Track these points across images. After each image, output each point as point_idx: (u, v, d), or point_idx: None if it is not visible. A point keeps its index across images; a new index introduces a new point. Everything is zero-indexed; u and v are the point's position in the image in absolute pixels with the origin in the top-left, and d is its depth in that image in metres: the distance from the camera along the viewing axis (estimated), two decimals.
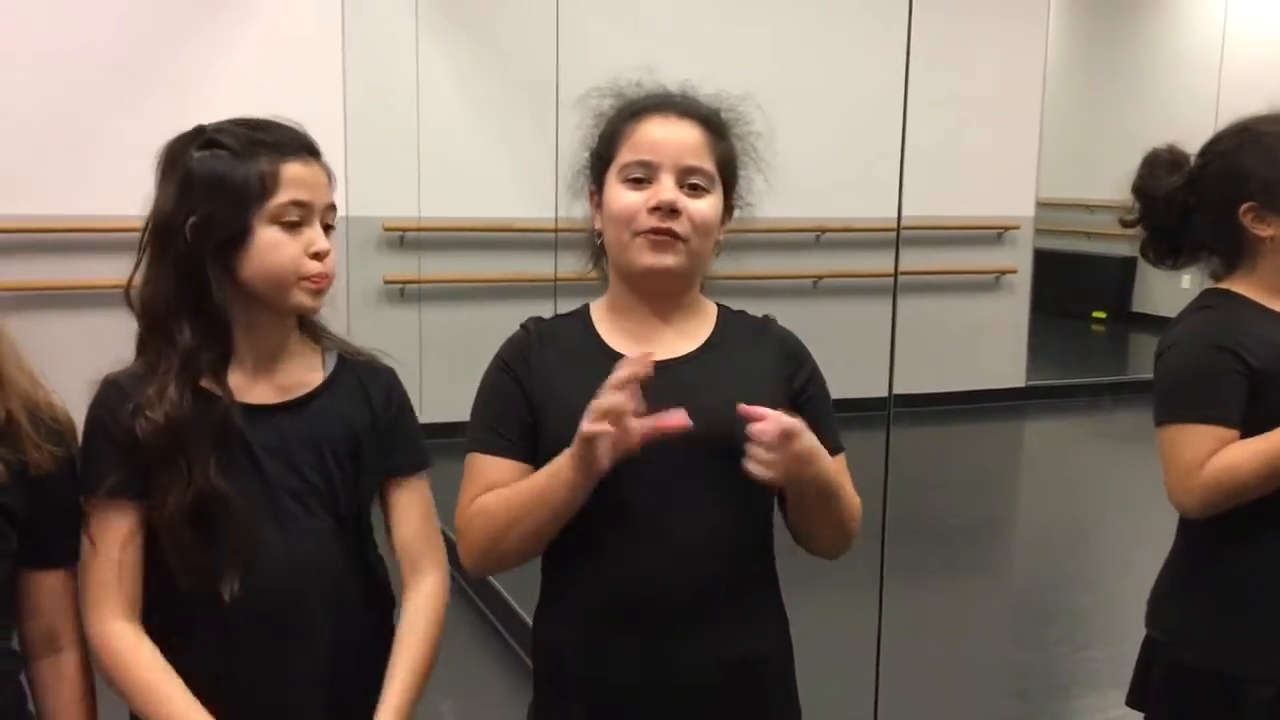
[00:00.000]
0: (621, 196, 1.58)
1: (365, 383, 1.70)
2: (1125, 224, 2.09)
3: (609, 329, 1.65)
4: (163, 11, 5.90)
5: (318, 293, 1.59)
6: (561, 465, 1.49)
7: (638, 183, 1.57)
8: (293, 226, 1.55)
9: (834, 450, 1.67)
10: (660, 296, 1.63)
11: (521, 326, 1.69)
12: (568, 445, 1.54)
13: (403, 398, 1.74)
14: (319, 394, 1.65)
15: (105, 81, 5.77)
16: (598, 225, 1.65)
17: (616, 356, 1.60)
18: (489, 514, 1.57)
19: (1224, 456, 1.85)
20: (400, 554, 1.73)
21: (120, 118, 5.71)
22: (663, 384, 1.57)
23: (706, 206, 1.58)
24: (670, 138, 1.58)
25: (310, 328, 1.69)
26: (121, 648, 1.55)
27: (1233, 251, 1.99)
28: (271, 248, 1.54)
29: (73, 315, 5.61)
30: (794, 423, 1.44)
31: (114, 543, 1.55)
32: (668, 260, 1.57)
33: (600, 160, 1.64)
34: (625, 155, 1.59)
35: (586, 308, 1.70)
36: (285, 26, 6.10)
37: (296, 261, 1.55)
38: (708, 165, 1.59)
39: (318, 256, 1.57)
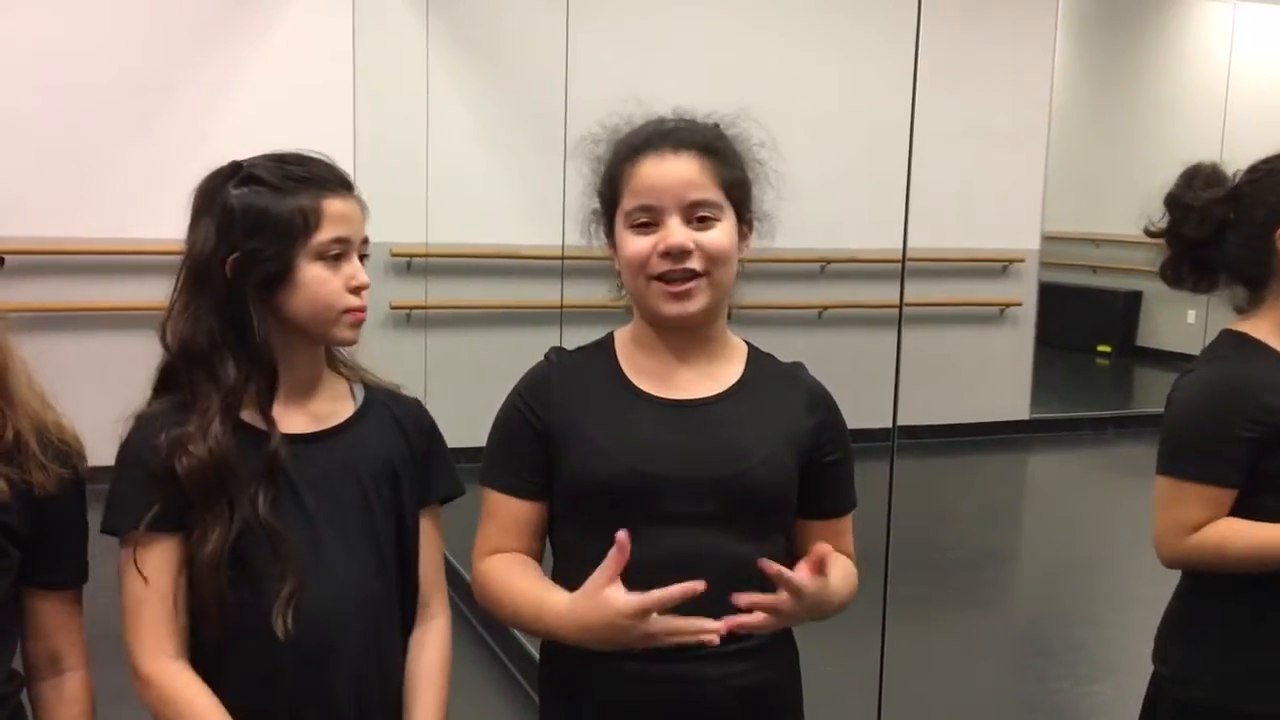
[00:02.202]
0: (631, 243, 1.56)
1: (395, 411, 1.70)
2: (1150, 234, 2.02)
3: (634, 366, 1.63)
4: (174, 38, 5.95)
5: (357, 325, 1.60)
6: (565, 623, 1.48)
7: (644, 227, 1.55)
8: (334, 261, 1.56)
9: (845, 509, 1.69)
10: (684, 334, 1.61)
11: (545, 357, 1.67)
12: (590, 480, 1.56)
13: (434, 426, 1.74)
14: (353, 423, 1.65)
15: (116, 107, 5.81)
16: (617, 265, 1.63)
17: (641, 395, 1.61)
18: (495, 597, 1.60)
19: (1217, 530, 1.86)
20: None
21: (132, 142, 5.75)
22: (689, 423, 1.58)
23: (720, 234, 1.56)
24: (668, 177, 1.55)
25: (333, 359, 1.69)
26: (176, 686, 1.52)
27: (1259, 275, 1.94)
28: (315, 284, 1.55)
29: (84, 337, 5.63)
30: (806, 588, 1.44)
31: (163, 578, 1.52)
32: (690, 307, 1.56)
33: (607, 204, 1.62)
34: (628, 201, 1.57)
35: (610, 338, 1.68)
36: (296, 54, 6.14)
37: (339, 296, 1.56)
38: (712, 194, 1.56)
39: (357, 290, 1.58)
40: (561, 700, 1.65)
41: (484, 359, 4.51)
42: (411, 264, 6.51)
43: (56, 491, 1.49)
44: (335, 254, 1.56)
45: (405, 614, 1.69)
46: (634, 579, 1.51)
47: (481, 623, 4.26)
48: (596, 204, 1.66)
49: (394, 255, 6.45)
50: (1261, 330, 1.94)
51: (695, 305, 1.56)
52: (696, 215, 1.55)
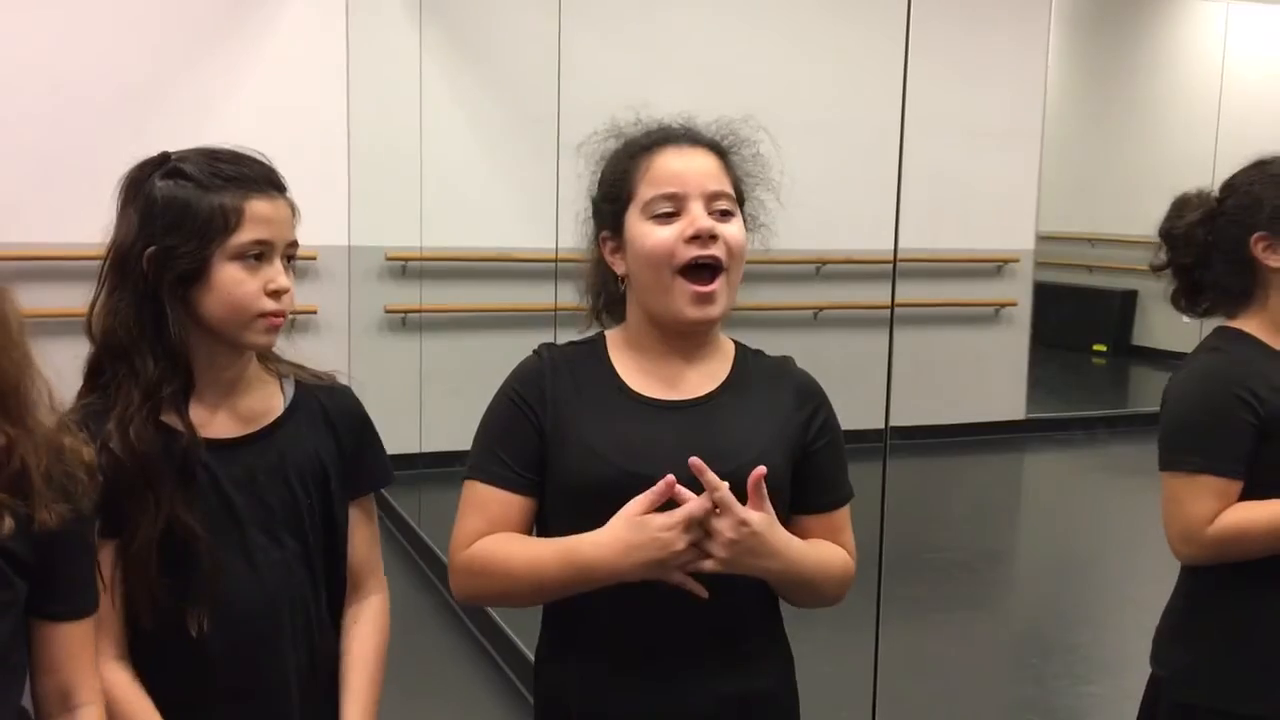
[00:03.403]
0: (654, 234, 1.54)
1: (327, 407, 1.69)
2: (1154, 269, 2.07)
3: (628, 367, 1.62)
4: (169, 42, 5.95)
5: (273, 330, 1.57)
6: (608, 545, 1.47)
7: (667, 217, 1.54)
8: (254, 263, 1.54)
9: (841, 500, 1.67)
10: (681, 336, 1.61)
11: (534, 353, 1.66)
12: (582, 482, 1.54)
13: (365, 417, 1.74)
14: (282, 423, 1.64)
15: (111, 114, 5.80)
16: (620, 270, 1.61)
17: (633, 396, 1.60)
18: (495, 567, 1.55)
19: (1234, 516, 1.85)
20: (350, 573, 1.73)
21: (126, 148, 5.71)
22: (680, 424, 1.57)
23: (738, 230, 1.57)
24: (691, 166, 1.56)
25: (265, 356, 1.67)
26: (116, 689, 1.53)
27: (1245, 286, 1.97)
28: (230, 284, 1.52)
29: (80, 343, 5.62)
30: (749, 516, 1.45)
31: (103, 585, 1.53)
32: (713, 311, 1.56)
33: (614, 202, 1.60)
34: (647, 191, 1.55)
35: (602, 337, 1.67)
36: (291, 59, 6.14)
37: (254, 299, 1.53)
38: (729, 189, 1.58)
39: (275, 294, 1.55)
40: (555, 709, 1.64)
41: (478, 362, 4.49)
42: (406, 267, 6.51)
43: (56, 530, 1.38)
44: (255, 255, 1.53)
45: (334, 605, 1.71)
46: (620, 583, 1.51)
47: (476, 623, 4.26)
48: (602, 204, 1.64)
49: (388, 259, 6.45)
50: (1252, 326, 1.97)
51: (717, 309, 1.56)
52: (717, 207, 1.56)
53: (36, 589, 1.41)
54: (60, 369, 1.49)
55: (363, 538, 1.73)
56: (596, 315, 1.71)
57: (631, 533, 1.45)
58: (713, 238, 1.53)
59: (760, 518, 1.46)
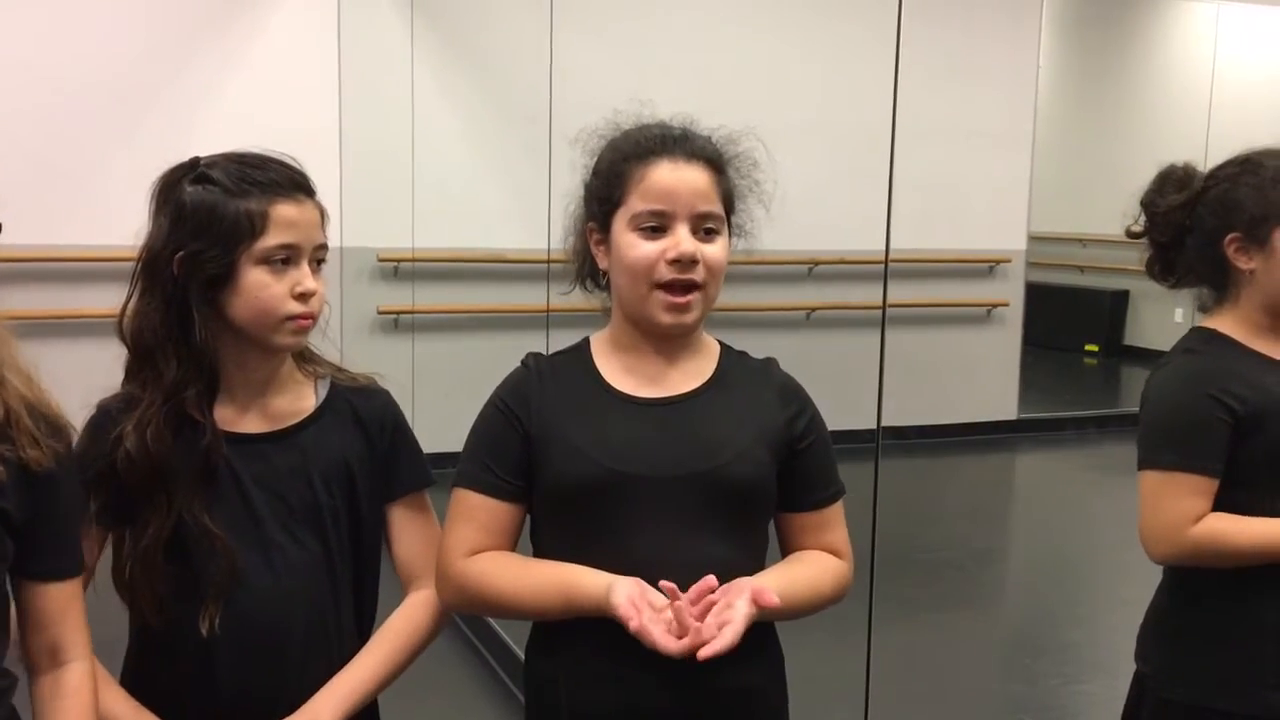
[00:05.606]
0: (637, 247, 1.56)
1: (358, 409, 1.69)
2: (1130, 235, 2.07)
3: (611, 367, 1.64)
4: (160, 42, 5.94)
5: (301, 331, 1.59)
6: (597, 598, 1.50)
7: (652, 231, 1.56)
8: (280, 267, 1.55)
9: (833, 497, 1.69)
10: (669, 338, 1.63)
11: (522, 363, 1.68)
12: (569, 482, 1.56)
13: (398, 419, 1.73)
14: (309, 423, 1.65)
15: (99, 114, 5.80)
16: (603, 265, 1.63)
17: (620, 396, 1.61)
18: (495, 584, 1.58)
19: (1218, 525, 1.85)
20: (401, 572, 1.74)
21: (117, 147, 5.73)
22: (664, 421, 1.59)
23: (720, 250, 1.58)
24: (682, 184, 1.56)
25: (302, 356, 1.69)
26: None
27: (1217, 281, 1.99)
28: (256, 288, 1.54)
29: (71, 344, 5.61)
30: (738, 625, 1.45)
31: (89, 564, 1.57)
32: (687, 319, 1.58)
33: (605, 202, 1.61)
34: (636, 203, 1.57)
35: (587, 342, 1.69)
36: (282, 59, 6.13)
37: (281, 302, 1.55)
38: (717, 207, 1.59)
39: (303, 297, 1.56)
40: (545, 702, 1.64)
41: (471, 363, 4.50)
42: (399, 269, 6.51)
43: (54, 468, 1.43)
44: (281, 259, 1.55)
45: (362, 609, 1.71)
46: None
47: (467, 623, 4.26)
48: (592, 199, 1.65)
49: (381, 260, 6.45)
50: (1227, 326, 1.97)
51: (691, 317, 1.58)
52: (703, 227, 1.57)
53: (28, 547, 1.44)
54: (48, 371, 1.51)
55: (411, 537, 1.73)
56: (580, 282, 1.71)
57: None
58: (693, 261, 1.55)
59: (745, 618, 1.46)
